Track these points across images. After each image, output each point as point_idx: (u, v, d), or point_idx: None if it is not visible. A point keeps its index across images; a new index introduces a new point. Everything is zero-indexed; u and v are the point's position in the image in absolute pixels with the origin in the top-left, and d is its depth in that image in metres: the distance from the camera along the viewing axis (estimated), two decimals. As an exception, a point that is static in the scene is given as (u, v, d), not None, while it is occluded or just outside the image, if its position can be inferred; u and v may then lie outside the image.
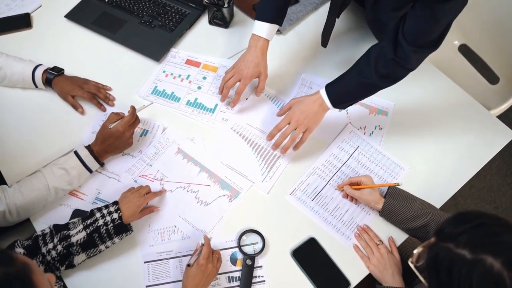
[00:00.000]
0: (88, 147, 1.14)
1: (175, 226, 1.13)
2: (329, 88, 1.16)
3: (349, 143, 1.28)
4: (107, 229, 1.02)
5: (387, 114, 1.33)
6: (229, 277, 1.08)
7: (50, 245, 0.97)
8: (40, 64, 1.29)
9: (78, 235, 0.99)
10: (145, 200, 1.09)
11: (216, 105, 1.33)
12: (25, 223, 1.11)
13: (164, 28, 1.45)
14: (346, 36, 1.47)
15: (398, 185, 1.13)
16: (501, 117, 1.39)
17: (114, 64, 1.40)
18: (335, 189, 1.21)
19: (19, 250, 0.95)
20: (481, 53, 1.72)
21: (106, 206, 1.05)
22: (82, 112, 1.29)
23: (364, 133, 1.30)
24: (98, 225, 1.01)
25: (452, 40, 1.77)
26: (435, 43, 1.04)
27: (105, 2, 1.51)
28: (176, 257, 1.10)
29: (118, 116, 1.16)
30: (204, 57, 1.42)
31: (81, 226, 1.01)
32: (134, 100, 1.32)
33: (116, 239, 1.04)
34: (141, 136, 1.26)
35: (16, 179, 1.10)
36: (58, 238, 0.98)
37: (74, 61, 1.38)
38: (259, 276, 1.08)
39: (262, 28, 1.22)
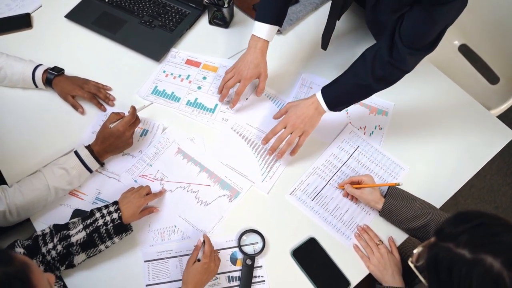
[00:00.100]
0: (88, 147, 1.14)
1: (175, 226, 1.14)
2: (325, 90, 1.17)
3: (349, 143, 1.28)
4: (106, 229, 1.02)
5: (387, 114, 1.33)
6: (229, 276, 1.08)
7: (50, 245, 0.98)
8: (40, 64, 1.29)
9: (78, 235, 0.99)
10: (145, 201, 1.09)
11: (216, 105, 1.33)
12: (25, 223, 1.11)
13: (164, 28, 1.45)
14: (346, 36, 1.48)
15: (398, 185, 1.14)
16: (501, 117, 1.39)
17: (114, 64, 1.40)
18: (336, 188, 1.21)
19: (19, 250, 0.95)
20: (481, 53, 1.72)
21: (106, 206, 1.05)
22: (82, 112, 1.29)
23: (364, 133, 1.30)
24: (98, 225, 1.01)
25: (452, 40, 1.77)
26: (431, 46, 1.05)
27: (105, 2, 1.51)
28: (176, 256, 1.10)
29: (118, 116, 1.16)
30: (204, 57, 1.42)
31: (81, 226, 1.01)
32: (134, 100, 1.32)
33: (116, 239, 1.04)
34: (141, 136, 1.26)
35: (16, 179, 1.10)
36: (58, 238, 0.98)
37: (74, 61, 1.38)
38: (259, 276, 1.08)
39: (262, 29, 1.22)
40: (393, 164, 1.25)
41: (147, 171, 1.21)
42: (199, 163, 1.22)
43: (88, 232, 1.00)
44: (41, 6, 1.51)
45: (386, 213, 1.13)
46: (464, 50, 1.77)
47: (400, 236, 1.15)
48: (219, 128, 1.29)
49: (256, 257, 1.09)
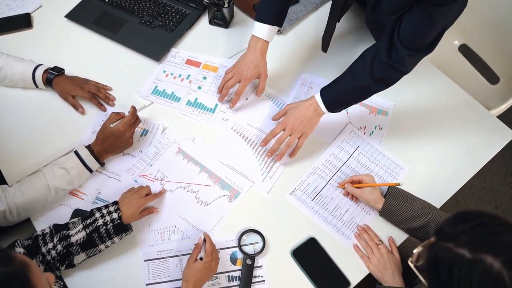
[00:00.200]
0: (89, 147, 1.14)
1: (175, 226, 1.14)
2: (324, 92, 1.17)
3: (349, 143, 1.28)
4: (106, 229, 1.02)
5: (387, 114, 1.33)
6: (228, 276, 1.08)
7: (50, 245, 0.98)
8: (41, 64, 1.29)
9: (77, 235, 0.99)
10: (145, 201, 1.09)
11: (216, 105, 1.33)
12: (25, 222, 1.12)
13: (164, 28, 1.45)
14: (347, 37, 1.48)
15: (398, 185, 1.14)
16: (501, 117, 1.39)
17: (115, 64, 1.40)
18: (336, 188, 1.21)
19: (19, 249, 0.96)
20: (481, 53, 1.72)
21: (106, 206, 1.05)
22: (83, 112, 1.29)
23: (364, 133, 1.30)
24: (97, 225, 1.01)
25: (452, 40, 1.77)
26: (430, 47, 1.05)
27: (105, 2, 1.51)
28: (176, 255, 1.10)
29: (118, 115, 1.16)
30: (204, 57, 1.42)
31: (80, 226, 1.01)
32: (135, 100, 1.32)
33: (116, 239, 1.04)
34: (141, 136, 1.26)
35: (16, 179, 1.10)
36: (58, 238, 0.98)
37: (74, 61, 1.38)
38: (259, 276, 1.08)
39: (262, 30, 1.22)
40: (393, 164, 1.25)
41: (147, 171, 1.21)
42: (199, 163, 1.22)
43: (88, 232, 1.00)
44: (41, 6, 1.51)
45: (386, 213, 1.13)
46: (464, 50, 1.77)
47: (400, 236, 1.15)
48: (219, 128, 1.29)
49: (256, 257, 1.09)
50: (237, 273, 1.09)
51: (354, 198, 1.18)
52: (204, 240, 1.06)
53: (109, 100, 1.31)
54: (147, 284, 1.06)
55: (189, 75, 1.38)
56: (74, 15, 1.48)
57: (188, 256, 1.05)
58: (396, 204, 1.12)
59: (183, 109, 1.32)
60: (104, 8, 1.50)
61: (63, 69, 1.30)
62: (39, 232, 1.00)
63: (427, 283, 0.74)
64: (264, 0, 1.24)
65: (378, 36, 1.38)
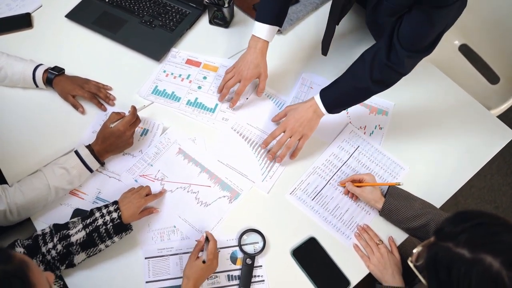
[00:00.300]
0: (89, 147, 1.14)
1: (175, 227, 1.14)
2: (324, 93, 1.17)
3: (350, 142, 1.28)
4: (106, 228, 1.02)
5: (387, 114, 1.33)
6: (228, 275, 1.08)
7: (50, 245, 0.98)
8: (41, 64, 1.29)
9: (77, 234, 1.00)
10: (145, 202, 1.09)
11: (217, 104, 1.33)
12: (25, 222, 1.12)
13: (164, 28, 1.45)
14: (347, 37, 1.48)
15: (399, 184, 1.14)
16: (501, 117, 1.39)
17: (115, 64, 1.40)
18: (336, 188, 1.21)
19: (19, 249, 0.96)
20: (481, 53, 1.72)
21: (106, 206, 1.05)
22: (83, 112, 1.29)
23: (364, 133, 1.30)
24: (97, 224, 1.01)
25: (452, 40, 1.77)
26: (429, 48, 1.05)
27: (105, 2, 1.51)
28: (177, 254, 1.10)
29: (119, 115, 1.16)
30: (204, 57, 1.42)
31: (80, 226, 1.01)
32: (135, 100, 1.32)
33: (115, 238, 1.04)
34: (141, 135, 1.26)
35: (16, 179, 1.10)
36: (57, 238, 0.98)
37: (74, 61, 1.38)
38: (258, 276, 1.08)
39: (262, 30, 1.23)
40: (393, 164, 1.25)
41: (147, 171, 1.21)
42: (199, 163, 1.22)
43: (87, 231, 1.00)
44: (41, 6, 1.51)
45: (386, 213, 1.13)
46: (464, 50, 1.77)
47: (400, 236, 1.15)
48: (219, 128, 1.29)
49: (256, 257, 1.09)
50: (237, 273, 1.09)
51: (354, 197, 1.18)
52: (206, 238, 1.05)
53: (109, 99, 1.31)
54: (147, 282, 1.06)
55: (189, 75, 1.38)
56: (74, 15, 1.48)
57: (189, 255, 1.05)
58: (396, 204, 1.12)
59: (183, 109, 1.32)
60: (104, 8, 1.50)
61: (63, 69, 1.30)
62: (39, 232, 1.00)
63: (427, 283, 0.74)
64: (264, 0, 1.24)
65: (378, 37, 1.38)
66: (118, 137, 1.14)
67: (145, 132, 1.27)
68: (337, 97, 1.17)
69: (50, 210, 1.13)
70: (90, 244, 1.01)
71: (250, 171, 1.22)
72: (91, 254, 1.03)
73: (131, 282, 1.07)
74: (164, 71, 1.39)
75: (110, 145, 1.15)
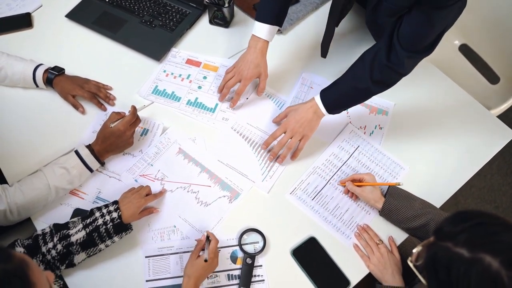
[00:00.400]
0: (89, 147, 1.14)
1: (175, 226, 1.14)
2: (324, 94, 1.17)
3: (350, 142, 1.28)
4: (106, 228, 1.02)
5: (387, 114, 1.33)
6: (228, 275, 1.08)
7: (50, 245, 0.98)
8: (41, 64, 1.29)
9: (77, 234, 1.00)
10: (145, 202, 1.09)
11: (217, 104, 1.33)
12: (25, 222, 1.12)
13: (164, 28, 1.46)
14: (347, 36, 1.48)
15: (399, 184, 1.14)
16: (501, 117, 1.39)
17: (115, 64, 1.40)
18: (336, 188, 1.21)
19: (20, 249, 0.96)
20: (481, 53, 1.72)
21: (106, 206, 1.06)
22: (83, 112, 1.29)
23: (365, 133, 1.30)
24: (97, 224, 1.01)
25: (452, 40, 1.77)
26: (429, 48, 1.05)
27: (105, 2, 1.51)
28: (177, 253, 1.10)
29: (119, 115, 1.16)
30: (204, 56, 1.42)
31: (80, 226, 1.01)
32: (135, 100, 1.32)
33: (116, 238, 1.04)
34: (141, 135, 1.26)
35: (17, 178, 1.10)
36: (58, 238, 0.98)
37: (74, 60, 1.38)
38: (258, 275, 1.08)
39: (262, 30, 1.23)
40: (393, 164, 1.25)
41: (148, 171, 1.21)
42: (200, 163, 1.22)
43: (87, 231, 1.00)
44: (41, 5, 1.51)
45: (386, 213, 1.13)
46: (465, 50, 1.77)
47: (400, 236, 1.15)
48: (219, 128, 1.29)
49: (256, 256, 1.10)
50: (237, 272, 1.09)
51: (354, 197, 1.19)
52: (208, 238, 1.05)
53: (110, 99, 1.31)
54: (147, 281, 1.07)
55: (189, 75, 1.38)
56: (74, 15, 1.49)
57: (189, 254, 1.05)
58: (396, 204, 1.12)
59: (183, 109, 1.32)
60: (105, 7, 1.50)
61: (63, 69, 1.30)
62: (39, 232, 1.00)
63: (426, 283, 0.74)
64: (264, 0, 1.24)
65: (378, 37, 1.38)
66: (118, 137, 1.15)
67: (145, 132, 1.27)
68: (337, 97, 1.17)
69: (50, 210, 1.13)
70: (90, 244, 1.01)
71: (250, 171, 1.22)
72: (91, 254, 1.03)
73: (131, 281, 1.07)
74: (164, 71, 1.39)
75: (110, 145, 1.15)
